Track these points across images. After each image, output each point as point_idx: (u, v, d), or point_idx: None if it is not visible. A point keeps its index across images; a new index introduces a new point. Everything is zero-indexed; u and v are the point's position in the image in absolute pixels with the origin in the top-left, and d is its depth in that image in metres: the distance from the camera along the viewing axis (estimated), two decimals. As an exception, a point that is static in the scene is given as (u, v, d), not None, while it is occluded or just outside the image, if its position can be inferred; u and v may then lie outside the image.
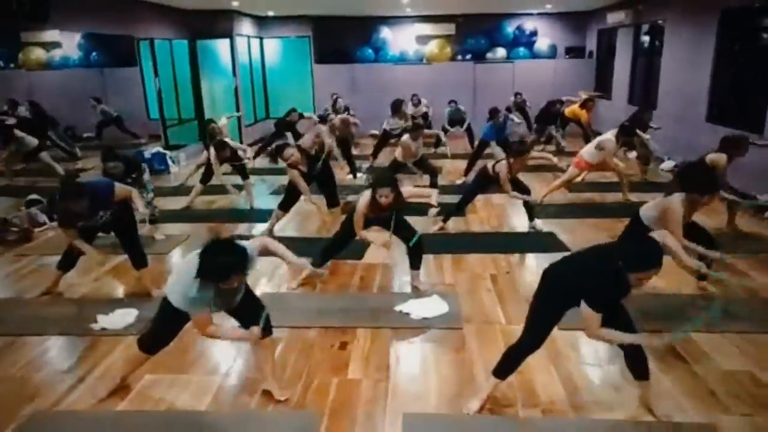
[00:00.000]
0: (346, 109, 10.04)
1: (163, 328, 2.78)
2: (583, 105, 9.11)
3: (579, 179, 6.89)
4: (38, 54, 12.36)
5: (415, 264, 4.12)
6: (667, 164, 8.23)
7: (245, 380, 3.01)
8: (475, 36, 12.16)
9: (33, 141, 7.72)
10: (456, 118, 9.73)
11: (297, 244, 4.79)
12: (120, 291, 4.32)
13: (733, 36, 7.12)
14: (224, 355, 3.27)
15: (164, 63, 10.99)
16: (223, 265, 2.35)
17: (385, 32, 12.26)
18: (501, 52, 12.07)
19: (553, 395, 2.85)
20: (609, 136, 6.13)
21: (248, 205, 6.54)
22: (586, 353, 3.21)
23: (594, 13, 11.66)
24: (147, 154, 8.73)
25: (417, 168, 6.68)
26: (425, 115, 9.97)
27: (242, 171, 6.53)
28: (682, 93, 8.01)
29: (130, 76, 12.06)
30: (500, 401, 2.78)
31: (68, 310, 3.90)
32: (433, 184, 6.54)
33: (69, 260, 4.14)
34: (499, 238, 5.36)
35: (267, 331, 2.84)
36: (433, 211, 4.05)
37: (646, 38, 9.79)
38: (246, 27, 10.99)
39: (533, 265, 4.63)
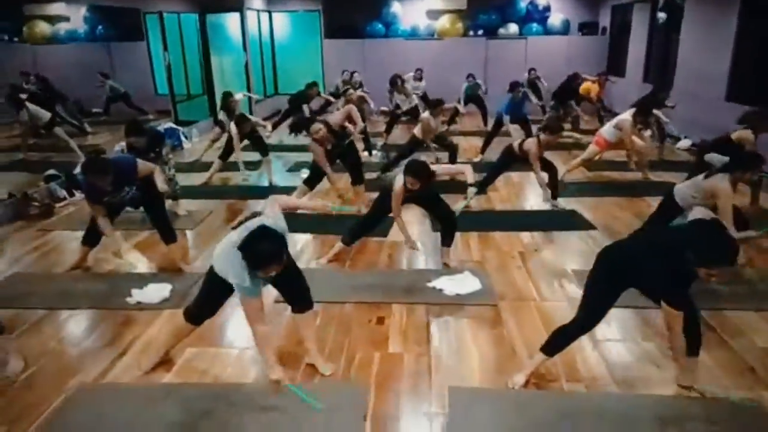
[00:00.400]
0: (361, 84, 9.97)
1: (209, 299, 2.79)
2: (595, 81, 9.11)
3: (597, 157, 6.85)
4: (43, 28, 12.20)
5: (446, 241, 4.12)
6: (684, 143, 8.20)
7: (289, 354, 3.02)
8: (487, 11, 11.99)
9: (45, 114, 7.64)
10: (474, 94, 9.66)
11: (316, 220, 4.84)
12: (148, 266, 4.32)
13: (755, 15, 7.02)
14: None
15: (172, 37, 10.81)
16: (265, 255, 2.34)
17: (396, 6, 12.09)
18: (513, 27, 11.92)
19: (594, 371, 2.87)
20: (627, 116, 6.07)
21: (267, 182, 6.51)
22: (620, 330, 3.23)
23: (608, -12, 11.50)
24: (160, 130, 8.63)
25: (436, 145, 6.65)
26: (424, 95, 9.86)
27: (262, 147, 6.49)
28: (700, 72, 7.94)
29: (137, 51, 11.97)
30: (545, 376, 2.80)
31: (100, 285, 3.91)
32: (452, 162, 6.53)
33: (93, 236, 4.12)
34: (522, 216, 5.37)
35: (308, 304, 2.85)
36: (471, 190, 4.01)
37: (662, 15, 9.63)
38: (256, 0, 10.81)
39: (560, 243, 4.63)
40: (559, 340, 2.68)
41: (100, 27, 12.11)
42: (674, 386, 2.72)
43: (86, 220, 5.03)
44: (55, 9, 12.22)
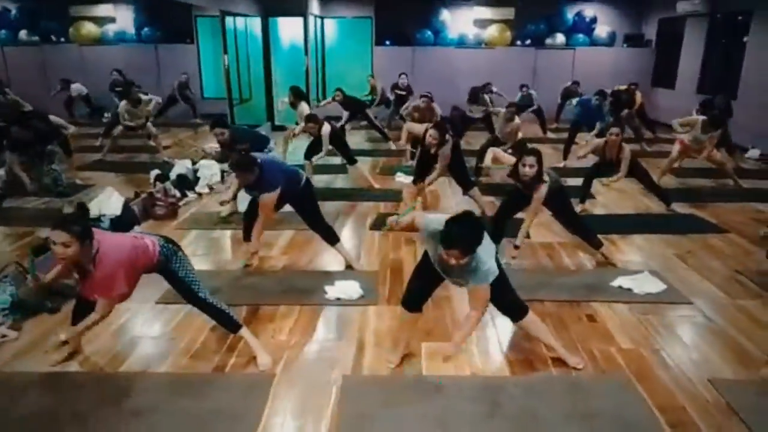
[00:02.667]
0: (408, 88, 10.10)
1: (421, 283, 2.84)
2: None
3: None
4: (90, 28, 12.13)
5: (594, 242, 4.27)
6: (753, 153, 8.42)
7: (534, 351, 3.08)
8: (535, 21, 12.19)
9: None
10: (526, 104, 9.82)
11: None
12: (313, 264, 4.34)
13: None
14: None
15: (229, 41, 10.76)
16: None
17: (445, 15, 12.23)
18: (560, 38, 12.13)
19: None
20: (695, 117, 6.26)
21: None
22: None
23: (653, 1, 11.77)
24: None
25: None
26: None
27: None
28: (771, 82, 8.18)
29: (185, 53, 11.95)
30: None
31: (284, 283, 3.93)
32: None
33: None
34: (647, 219, 5.46)
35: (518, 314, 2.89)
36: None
37: (722, 26, 9.92)
38: (314, 6, 10.87)
39: (703, 246, 4.73)
40: None
41: (146, 29, 12.05)
42: None
43: (214, 220, 5.11)
44: (101, 10, 12.17)
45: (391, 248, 4.61)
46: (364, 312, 3.52)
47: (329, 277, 3.95)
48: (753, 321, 3.43)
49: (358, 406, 2.61)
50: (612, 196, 6.19)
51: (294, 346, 3.12)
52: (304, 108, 6.71)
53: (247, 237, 4.18)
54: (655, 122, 10.02)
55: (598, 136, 8.18)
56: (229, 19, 10.07)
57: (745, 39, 9.21)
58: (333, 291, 3.72)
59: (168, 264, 2.79)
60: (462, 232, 2.30)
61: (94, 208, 4.59)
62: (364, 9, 11.90)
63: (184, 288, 2.87)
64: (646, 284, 3.83)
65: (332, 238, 4.18)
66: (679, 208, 5.71)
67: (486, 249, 2.46)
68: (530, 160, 3.80)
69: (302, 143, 6.73)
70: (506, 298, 2.80)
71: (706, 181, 6.94)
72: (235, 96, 10.90)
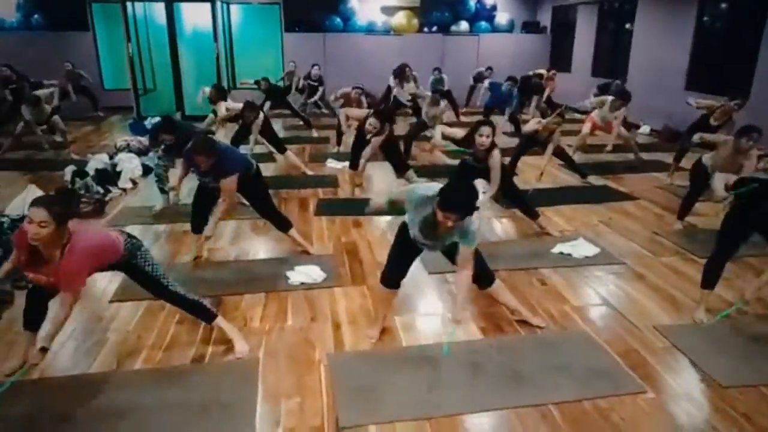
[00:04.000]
0: (320, 79, 10.10)
1: (401, 260, 2.96)
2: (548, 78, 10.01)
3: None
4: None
5: (534, 214, 4.60)
6: (644, 128, 9.32)
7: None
8: (440, 8, 12.57)
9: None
10: (438, 87, 10.15)
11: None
12: (267, 252, 4.29)
13: (712, 11, 8.23)
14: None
15: (120, 27, 10.11)
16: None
17: (353, 2, 12.28)
18: (464, 25, 12.61)
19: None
20: (606, 98, 6.89)
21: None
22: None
23: (547, -10, 12.57)
24: (148, 124, 8.19)
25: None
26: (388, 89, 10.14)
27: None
28: (657, 64, 9.06)
29: (81, 42, 11.10)
30: (722, 310, 3.32)
31: (247, 271, 3.87)
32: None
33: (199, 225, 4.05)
34: (568, 192, 5.90)
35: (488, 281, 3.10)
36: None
37: (612, 12, 10.79)
38: (219, -9, 10.47)
39: (621, 213, 5.22)
40: (710, 275, 3.22)
41: (35, 15, 11.02)
42: None
43: (144, 213, 4.91)
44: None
45: (341, 232, 4.66)
46: (330, 293, 3.56)
47: (287, 263, 3.94)
48: (677, 274, 3.88)
49: (350, 380, 2.67)
50: (533, 174, 6.61)
51: (270, 332, 3.11)
52: (222, 108, 6.45)
53: (196, 228, 4.05)
54: (557, 104, 10.73)
55: (510, 119, 8.71)
56: (128, 6, 9.48)
57: (628, 26, 10.11)
58: (295, 276, 3.72)
59: (132, 259, 2.67)
60: (461, 195, 2.44)
61: (18, 207, 4.23)
62: (272, -5, 11.66)
63: (152, 283, 2.77)
64: (583, 249, 4.19)
65: (285, 225, 4.16)
66: (594, 180, 6.23)
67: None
68: (486, 130, 4.01)
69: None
70: (479, 267, 2.97)
71: (611, 155, 7.58)
72: (140, 86, 10.33)
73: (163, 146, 4.87)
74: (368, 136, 5.23)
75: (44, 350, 2.52)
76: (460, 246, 2.67)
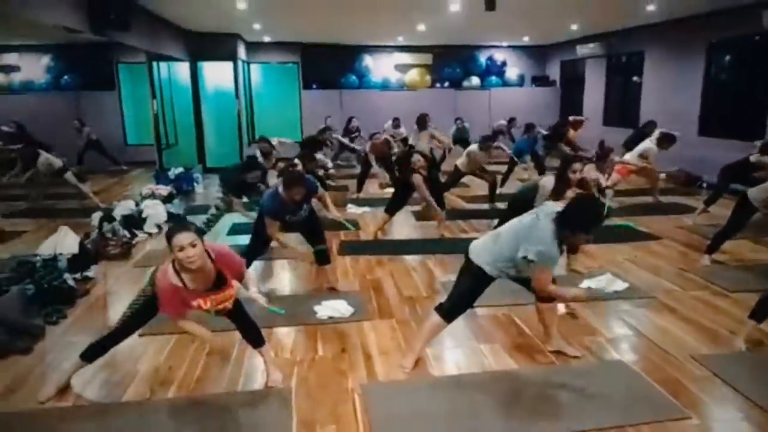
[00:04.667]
0: (358, 129, 10.41)
1: (470, 294, 2.96)
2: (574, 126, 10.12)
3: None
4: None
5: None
6: (661, 175, 9.36)
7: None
8: (451, 65, 12.99)
9: (57, 161, 7.24)
10: (461, 137, 10.36)
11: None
12: (293, 289, 4.30)
13: (719, 62, 8.45)
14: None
15: (143, 86, 10.54)
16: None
17: (368, 60, 12.74)
18: (475, 80, 12.98)
19: None
20: (650, 145, 6.94)
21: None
22: None
23: (554, 46, 12.97)
24: (172, 175, 8.40)
25: (480, 178, 7.16)
26: (405, 139, 10.37)
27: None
28: (668, 113, 9.20)
29: (106, 100, 11.56)
30: (759, 340, 3.25)
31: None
32: (491, 194, 7.09)
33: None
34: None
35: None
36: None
37: (619, 66, 11.08)
38: (241, 51, 10.96)
39: (646, 251, 5.20)
40: (762, 309, 3.15)
41: (66, 77, 11.53)
42: None
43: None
44: (3, 59, 11.50)
45: (365, 270, 4.68)
46: (359, 327, 3.54)
47: (314, 298, 3.94)
48: (708, 306, 3.83)
49: (385, 409, 2.62)
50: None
51: (301, 362, 3.09)
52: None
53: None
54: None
55: (536, 166, 8.74)
56: (154, 65, 9.91)
57: (634, 78, 10.37)
58: (323, 310, 3.72)
59: None
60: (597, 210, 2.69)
61: (49, 248, 4.31)
62: (291, 55, 12.15)
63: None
64: (611, 284, 4.15)
65: (325, 258, 4.19)
66: (617, 220, 6.24)
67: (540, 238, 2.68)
68: (578, 165, 4.10)
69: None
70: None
71: (630, 198, 7.60)
72: (162, 141, 10.63)
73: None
74: (420, 171, 5.36)
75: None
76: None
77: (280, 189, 3.74)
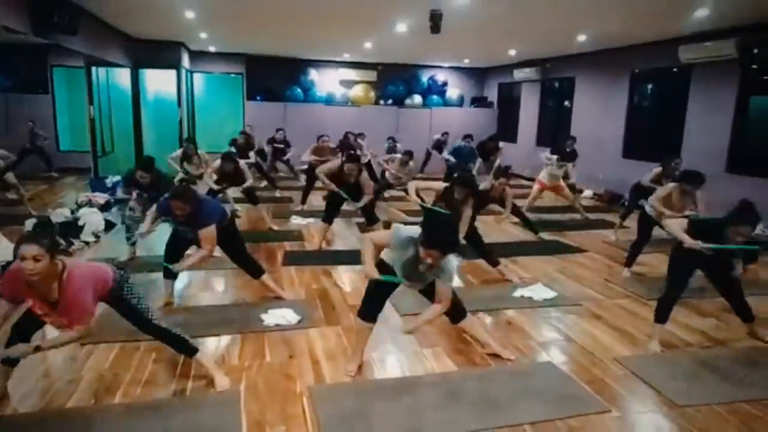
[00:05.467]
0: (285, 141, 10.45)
1: (378, 294, 3.09)
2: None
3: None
4: None
5: (495, 263, 4.89)
6: (587, 192, 9.96)
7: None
8: (395, 83, 13.31)
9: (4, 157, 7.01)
10: (409, 152, 10.67)
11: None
12: (238, 298, 4.33)
13: (641, 90, 9.16)
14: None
15: (79, 91, 10.25)
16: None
17: (313, 74, 12.86)
18: (418, 99, 13.34)
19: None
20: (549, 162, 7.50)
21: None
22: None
23: (493, 69, 13.56)
24: (109, 183, 8.17)
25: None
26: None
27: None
28: (596, 135, 9.84)
29: (38, 104, 11.10)
30: (671, 342, 3.59)
31: (219, 314, 3.90)
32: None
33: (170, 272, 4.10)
34: (523, 245, 6.24)
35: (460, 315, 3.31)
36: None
37: (552, 90, 11.73)
38: (185, 60, 10.83)
39: (573, 263, 5.56)
40: (663, 311, 3.53)
41: (-6, 78, 11.01)
42: (751, 342, 3.69)
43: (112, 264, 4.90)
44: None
45: (311, 280, 4.77)
46: (306, 334, 3.64)
47: (260, 307, 4.00)
48: (629, 313, 4.18)
49: (333, 409, 2.73)
50: (487, 228, 6.94)
51: (249, 368, 3.15)
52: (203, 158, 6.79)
53: (167, 274, 4.08)
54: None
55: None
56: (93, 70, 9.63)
57: (566, 102, 11.03)
58: (270, 318, 3.79)
59: (120, 291, 2.71)
60: (444, 231, 2.64)
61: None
62: (236, 66, 12.10)
63: (136, 316, 2.80)
64: (542, 292, 4.46)
65: (258, 272, 4.23)
66: (545, 236, 6.62)
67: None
68: (461, 190, 4.40)
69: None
70: (454, 302, 3.16)
71: (559, 215, 8.07)
72: (98, 148, 10.31)
73: (137, 190, 4.96)
74: (352, 180, 5.43)
75: (38, 349, 2.47)
76: (437, 283, 2.84)
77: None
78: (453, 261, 2.82)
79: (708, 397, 2.94)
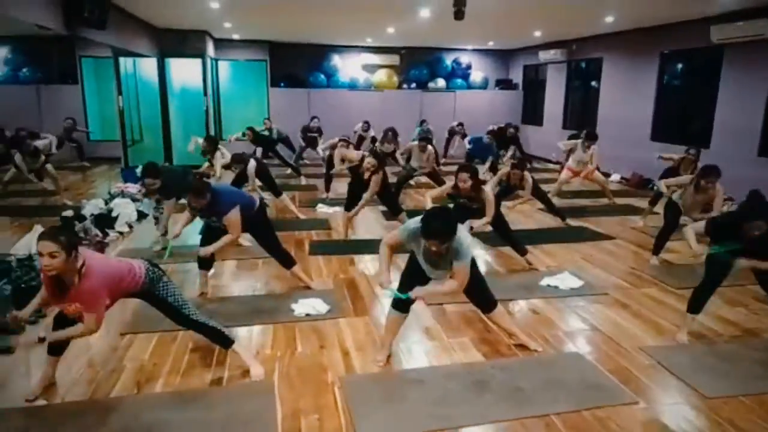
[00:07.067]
0: (319, 130, 10.53)
1: (411, 284, 3.08)
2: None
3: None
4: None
5: (523, 251, 4.92)
6: (615, 176, 9.84)
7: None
8: (418, 66, 13.24)
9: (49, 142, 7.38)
10: (426, 136, 10.65)
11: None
12: (268, 288, 4.44)
13: (670, 71, 8.96)
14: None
15: (107, 81, 10.46)
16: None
17: (336, 60, 12.87)
18: (441, 82, 13.26)
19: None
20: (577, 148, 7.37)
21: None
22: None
23: (518, 50, 13.37)
24: (139, 172, 8.34)
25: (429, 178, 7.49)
26: (373, 139, 10.58)
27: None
28: (623, 118, 9.69)
29: (69, 94, 11.35)
30: (699, 333, 3.59)
31: (250, 305, 4.02)
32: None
33: (206, 262, 4.23)
34: (550, 232, 6.23)
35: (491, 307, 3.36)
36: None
37: (579, 71, 11.54)
38: (209, 48, 10.93)
39: (600, 250, 5.55)
40: (697, 301, 3.50)
41: (25, 69, 11.28)
42: None
43: (143, 255, 5.03)
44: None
45: (338, 269, 4.86)
46: (335, 324, 3.73)
47: (290, 297, 4.11)
48: (656, 302, 4.17)
49: (364, 399, 2.82)
50: (514, 217, 6.95)
51: (282, 358, 3.26)
52: (219, 158, 6.74)
53: (202, 264, 4.21)
54: (529, 155, 11.39)
55: (490, 168, 9.16)
56: (120, 61, 9.80)
57: (593, 83, 10.85)
58: (300, 308, 3.89)
59: (153, 288, 2.82)
60: (437, 221, 2.68)
61: (24, 247, 4.33)
62: (259, 53, 12.17)
63: (173, 311, 2.91)
64: (568, 281, 4.47)
65: (289, 262, 4.32)
66: (572, 222, 6.59)
67: (462, 230, 2.85)
68: (463, 175, 4.31)
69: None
70: (482, 293, 3.21)
71: (586, 200, 8.01)
72: (128, 138, 10.53)
73: (146, 190, 5.13)
74: (367, 175, 5.46)
75: (41, 339, 2.60)
76: (454, 263, 2.87)
77: None
78: (465, 239, 2.86)
79: (736, 389, 2.94)
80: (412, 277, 3.10)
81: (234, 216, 3.85)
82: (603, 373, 3.10)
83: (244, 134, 9.13)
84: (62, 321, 2.75)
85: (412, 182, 8.27)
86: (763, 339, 3.60)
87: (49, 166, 7.25)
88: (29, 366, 3.11)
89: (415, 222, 2.86)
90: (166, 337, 3.45)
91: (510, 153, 10.49)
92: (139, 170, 8.54)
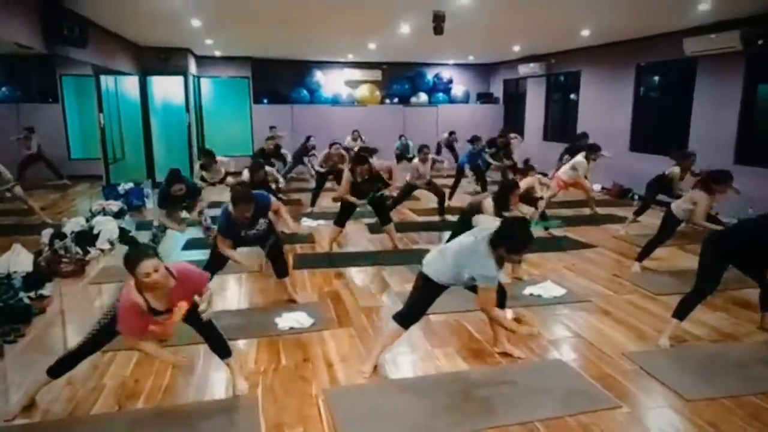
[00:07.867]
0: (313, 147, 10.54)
1: (424, 301, 3.19)
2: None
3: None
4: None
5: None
6: (595, 186, 9.96)
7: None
8: (400, 81, 13.36)
9: (7, 173, 7.09)
10: (403, 154, 10.74)
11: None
12: (252, 302, 4.42)
13: (647, 83, 9.14)
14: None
15: (88, 99, 10.39)
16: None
17: (318, 75, 12.94)
18: (423, 96, 13.40)
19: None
20: (580, 158, 7.43)
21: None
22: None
23: (498, 64, 13.57)
24: (121, 190, 8.29)
25: (429, 191, 7.45)
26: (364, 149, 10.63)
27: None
28: (603, 129, 9.82)
29: (49, 113, 11.26)
30: (681, 337, 3.64)
31: (234, 319, 3.98)
32: (441, 207, 7.38)
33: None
34: (535, 242, 6.26)
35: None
36: None
37: (558, 84, 11.73)
38: (191, 65, 10.94)
39: (582, 259, 5.60)
40: (685, 307, 3.54)
41: (4, 88, 11.18)
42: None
43: (124, 273, 5.00)
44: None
45: (323, 282, 4.85)
46: (320, 336, 3.72)
47: (274, 311, 4.08)
48: (638, 308, 4.22)
49: (349, 410, 2.81)
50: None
51: (265, 372, 3.23)
52: (222, 164, 6.89)
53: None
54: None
55: (477, 179, 9.18)
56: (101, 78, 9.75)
57: (572, 96, 11.03)
58: (284, 321, 3.87)
59: None
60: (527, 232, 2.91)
61: (2, 266, 4.26)
62: (241, 69, 12.20)
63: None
64: (551, 290, 4.50)
65: (284, 272, 4.33)
66: (555, 232, 6.66)
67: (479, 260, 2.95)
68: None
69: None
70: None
71: (568, 210, 8.09)
72: (109, 155, 10.44)
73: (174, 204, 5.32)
74: (368, 177, 5.51)
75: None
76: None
77: (230, 207, 3.84)
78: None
79: (716, 391, 2.98)
80: (429, 299, 3.18)
81: (275, 201, 4.14)
82: (586, 379, 3.13)
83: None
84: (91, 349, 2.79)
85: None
86: (743, 343, 3.66)
87: (17, 189, 7.13)
88: (6, 385, 3.05)
89: (486, 241, 2.93)
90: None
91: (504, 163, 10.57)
92: (121, 188, 8.53)
